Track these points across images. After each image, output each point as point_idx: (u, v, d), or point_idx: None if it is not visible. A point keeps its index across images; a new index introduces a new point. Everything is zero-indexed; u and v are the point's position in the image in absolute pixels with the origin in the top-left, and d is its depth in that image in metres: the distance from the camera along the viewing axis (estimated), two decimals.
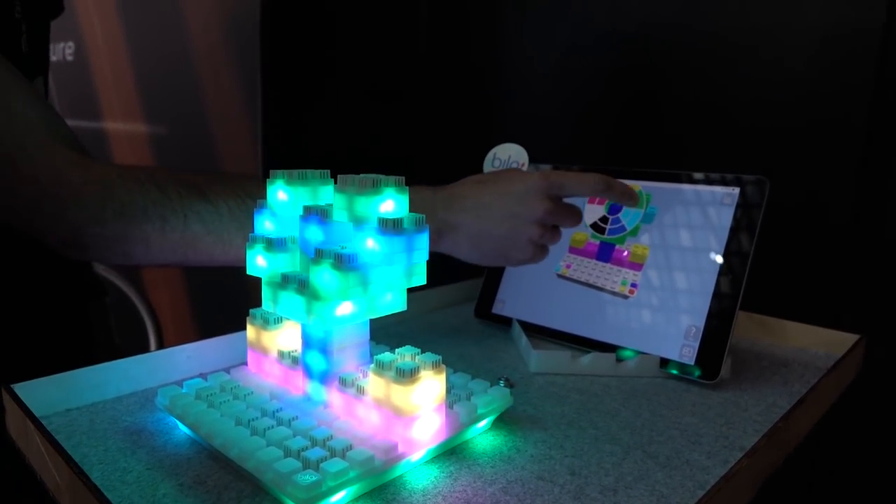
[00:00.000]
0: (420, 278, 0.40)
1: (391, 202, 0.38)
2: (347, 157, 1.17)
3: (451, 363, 0.56)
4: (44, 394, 0.44)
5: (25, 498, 0.55)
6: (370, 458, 0.35)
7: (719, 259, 0.56)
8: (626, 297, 0.59)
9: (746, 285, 0.54)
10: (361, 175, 0.39)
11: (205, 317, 1.41)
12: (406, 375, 0.36)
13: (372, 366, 0.38)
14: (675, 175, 0.61)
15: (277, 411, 0.40)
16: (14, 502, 0.54)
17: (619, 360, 0.55)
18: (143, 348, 1.36)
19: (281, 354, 0.45)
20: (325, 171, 0.44)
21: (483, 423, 0.43)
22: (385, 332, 0.64)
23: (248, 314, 0.46)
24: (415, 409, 0.37)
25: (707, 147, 0.84)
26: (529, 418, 0.46)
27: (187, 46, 1.33)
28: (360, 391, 0.39)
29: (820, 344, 0.62)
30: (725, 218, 0.57)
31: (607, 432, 0.44)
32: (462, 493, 0.36)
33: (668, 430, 0.45)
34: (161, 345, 1.43)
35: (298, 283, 0.39)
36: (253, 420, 0.38)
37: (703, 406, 0.49)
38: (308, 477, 0.33)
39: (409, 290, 0.41)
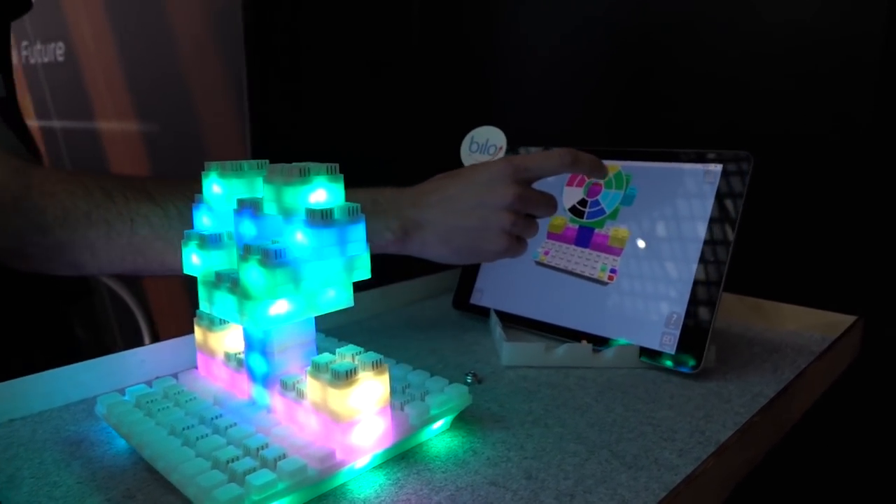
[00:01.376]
0: (363, 272, 0.38)
1: (322, 192, 0.36)
2: (338, 150, 1.14)
3: (422, 358, 0.54)
4: None
5: None
6: (302, 467, 0.32)
7: (701, 241, 0.52)
8: (605, 283, 0.56)
9: (733, 267, 0.51)
10: (292, 164, 0.36)
11: None
12: (342, 378, 0.34)
13: (308, 368, 0.35)
14: (655, 154, 0.58)
15: (216, 418, 0.37)
16: None
17: (597, 350, 0.52)
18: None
19: (227, 357, 0.42)
20: (264, 161, 0.41)
21: (439, 424, 0.40)
22: (359, 328, 0.61)
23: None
24: (353, 414, 0.34)
25: (710, 125, 0.80)
26: (493, 417, 0.43)
27: (173, 42, 1.31)
28: (300, 395, 0.37)
29: (816, 326, 0.59)
30: (708, 197, 0.53)
31: (574, 430, 0.41)
32: (405, 502, 0.34)
33: (641, 427, 0.42)
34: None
35: (231, 282, 0.36)
36: (187, 429, 0.36)
37: (682, 398, 0.46)
38: (230, 491, 0.30)
39: (385, 283, 0.39)
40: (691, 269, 0.52)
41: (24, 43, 1.65)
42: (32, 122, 1.63)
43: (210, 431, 0.36)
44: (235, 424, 0.37)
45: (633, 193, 0.58)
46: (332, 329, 0.60)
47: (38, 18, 1.58)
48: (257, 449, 0.34)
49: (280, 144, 1.20)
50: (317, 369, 0.35)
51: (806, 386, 0.48)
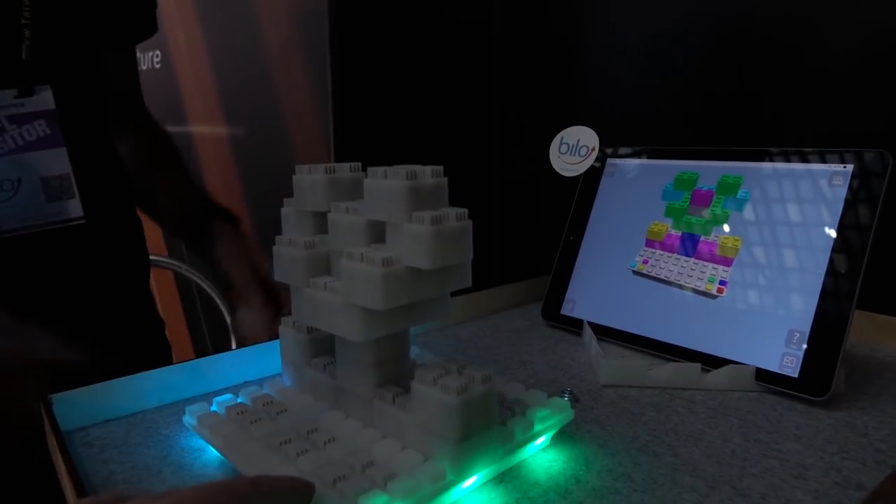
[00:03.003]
0: (465, 281, 0.36)
1: None
2: (422, 151, 1.13)
3: (512, 371, 0.51)
4: (82, 405, 0.43)
5: None
6: (414, 487, 0.30)
7: (829, 250, 0.47)
8: (714, 296, 0.51)
9: (864, 281, 0.45)
10: (395, 167, 0.34)
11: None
12: (452, 393, 0.31)
13: (414, 382, 0.33)
14: (771, 153, 0.52)
15: (312, 432, 0.36)
16: None
17: (706, 370, 0.47)
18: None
19: (319, 367, 0.41)
20: (357, 163, 0.39)
21: (540, 441, 0.37)
22: (442, 336, 0.59)
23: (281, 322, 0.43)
24: (463, 430, 0.32)
25: (809, 128, 0.73)
26: (595, 440, 0.40)
27: (261, 46, 1.35)
28: (404, 409, 0.34)
29: None
30: (836, 201, 0.47)
31: (688, 461, 0.37)
32: None
33: (765, 460, 0.37)
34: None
35: (333, 290, 0.35)
36: (285, 443, 0.34)
37: (810, 429, 0.41)
38: None
39: (469, 290, 0.37)
40: (817, 282, 0.46)
41: None
42: None
43: (308, 447, 0.34)
44: (333, 440, 0.35)
45: (745, 197, 0.52)
46: (415, 337, 0.58)
47: None
48: (362, 467, 0.32)
49: (363, 146, 1.20)
50: (423, 383, 0.33)
51: None
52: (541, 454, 0.38)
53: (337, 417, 0.38)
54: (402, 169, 0.33)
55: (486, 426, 0.33)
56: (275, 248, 0.38)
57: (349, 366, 0.37)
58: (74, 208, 0.61)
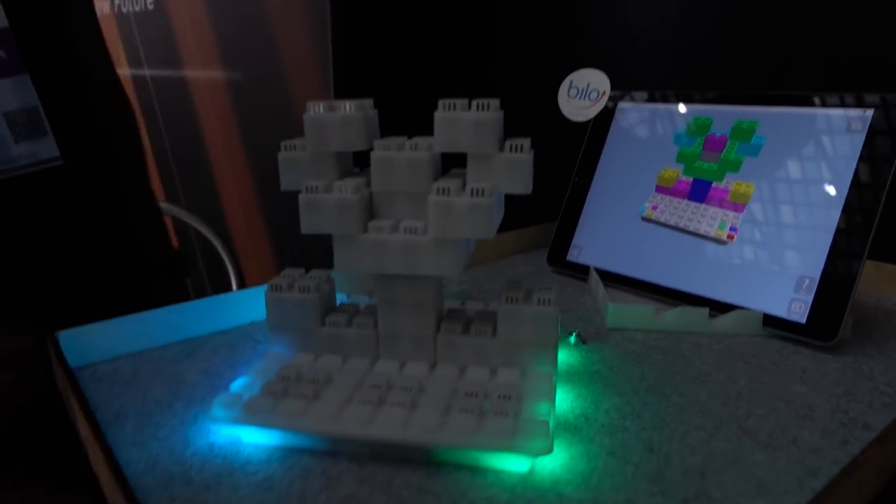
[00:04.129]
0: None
1: None
2: (424, 94, 1.11)
3: None
4: (90, 341, 0.43)
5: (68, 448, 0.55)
6: (551, 390, 0.34)
7: (843, 197, 0.46)
8: (723, 242, 0.51)
9: (877, 229, 0.44)
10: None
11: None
12: (547, 304, 0.36)
13: (502, 304, 0.36)
14: (788, 97, 0.51)
15: (390, 382, 0.35)
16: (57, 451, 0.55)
17: (713, 315, 0.47)
18: None
19: (335, 323, 0.39)
20: (369, 100, 0.38)
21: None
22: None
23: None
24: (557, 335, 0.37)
25: (828, 71, 0.71)
26: (603, 381, 0.40)
27: None
28: (483, 335, 0.37)
29: None
30: (853, 147, 0.47)
31: (694, 401, 0.38)
32: (516, 472, 0.31)
33: (771, 402, 0.37)
34: None
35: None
36: (383, 397, 0.33)
37: (816, 373, 0.41)
38: (534, 426, 0.30)
39: None
40: (830, 229, 0.46)
41: None
42: (125, 71, 1.68)
43: (405, 396, 0.33)
44: (427, 384, 0.35)
45: (759, 143, 0.51)
46: None
47: None
48: (485, 393, 0.33)
49: (364, 91, 1.18)
50: (514, 302, 0.36)
51: None
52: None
53: (393, 366, 0.37)
54: (489, 101, 0.34)
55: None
56: (305, 197, 0.35)
57: (401, 310, 0.37)
58: (48, 147, 0.52)
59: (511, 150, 0.34)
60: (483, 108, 0.34)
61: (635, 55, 0.88)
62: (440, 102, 0.34)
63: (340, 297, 0.47)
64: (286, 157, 0.37)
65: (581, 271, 0.59)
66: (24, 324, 0.50)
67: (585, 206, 0.61)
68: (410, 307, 0.37)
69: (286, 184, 0.37)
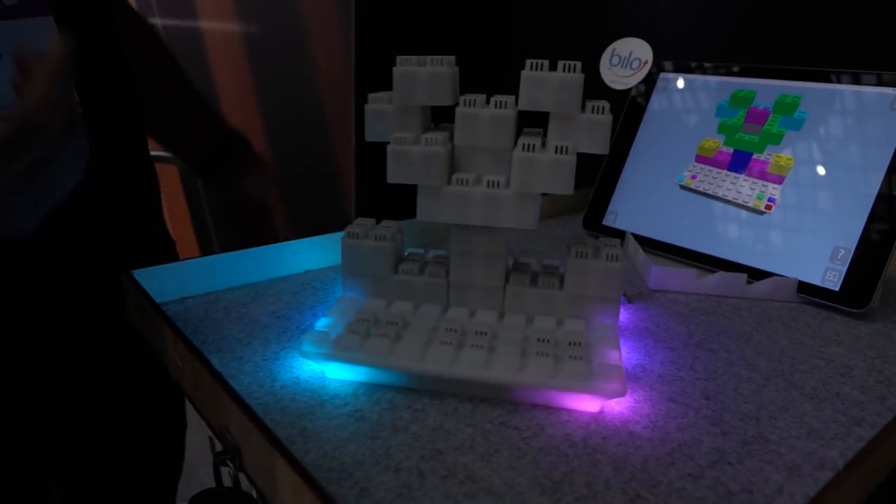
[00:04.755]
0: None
1: None
2: (446, 43, 1.11)
3: None
4: (160, 281, 0.45)
5: (146, 381, 0.58)
6: (617, 339, 0.37)
7: (883, 172, 0.48)
8: (761, 212, 0.53)
9: None
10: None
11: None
12: (614, 259, 0.38)
13: (570, 258, 0.39)
14: (831, 73, 0.53)
15: (462, 327, 0.37)
16: (135, 386, 0.57)
17: (751, 281, 0.50)
18: None
19: (407, 271, 0.41)
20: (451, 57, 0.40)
21: None
22: None
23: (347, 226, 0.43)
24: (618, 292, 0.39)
25: (875, 49, 0.72)
26: (652, 336, 0.42)
27: None
28: (550, 287, 0.39)
29: None
30: (894, 125, 0.49)
31: (741, 356, 0.40)
32: (588, 412, 0.34)
33: (812, 360, 0.40)
34: None
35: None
36: (452, 339, 0.35)
37: (850, 336, 0.44)
38: (609, 370, 0.33)
39: None
40: (868, 202, 0.48)
41: None
42: None
43: (476, 340, 0.35)
44: (499, 330, 0.37)
45: (802, 117, 0.53)
46: None
47: None
48: (555, 340, 0.36)
49: (385, 45, 1.17)
50: (582, 257, 0.39)
51: None
52: None
53: (463, 313, 0.40)
54: (571, 63, 0.36)
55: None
56: (394, 148, 0.37)
57: (473, 260, 0.39)
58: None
59: (592, 111, 0.36)
60: (570, 70, 0.35)
61: (673, 26, 0.89)
62: (527, 62, 0.36)
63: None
64: (373, 108, 0.39)
65: (616, 236, 0.61)
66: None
67: (623, 173, 0.63)
68: (483, 258, 0.39)
69: (371, 135, 0.38)
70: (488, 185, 0.36)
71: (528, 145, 0.35)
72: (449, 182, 0.37)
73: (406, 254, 0.44)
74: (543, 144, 0.36)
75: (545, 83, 0.36)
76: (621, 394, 0.32)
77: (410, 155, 0.36)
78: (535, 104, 0.36)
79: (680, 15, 0.88)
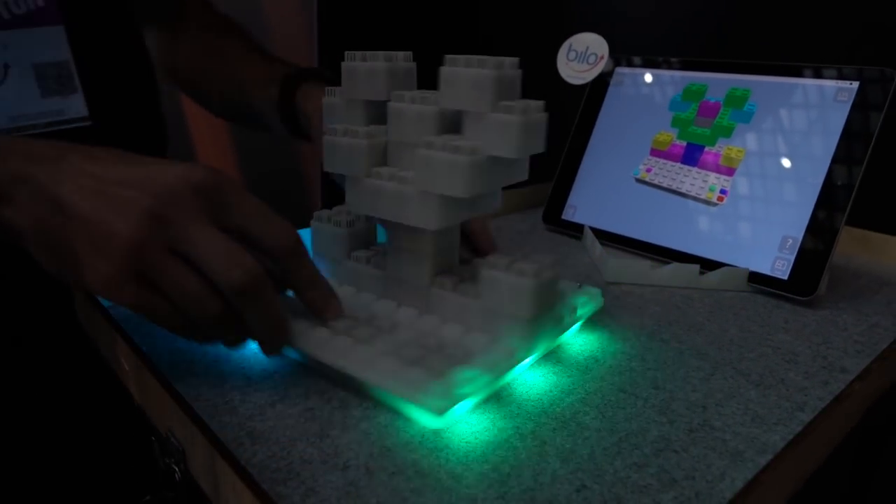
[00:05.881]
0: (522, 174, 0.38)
1: None
2: (410, 39, 1.10)
3: None
4: None
5: (95, 384, 0.56)
6: (493, 362, 0.33)
7: (827, 164, 0.49)
8: (714, 204, 0.54)
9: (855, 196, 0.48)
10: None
11: None
12: (528, 275, 0.34)
13: (484, 268, 0.35)
14: (779, 67, 0.54)
15: (372, 319, 0.37)
16: (84, 389, 0.56)
17: (703, 272, 0.50)
18: None
19: (358, 259, 0.42)
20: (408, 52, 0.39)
21: (576, 325, 0.41)
22: None
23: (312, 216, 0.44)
24: (535, 311, 0.34)
25: (821, 43, 0.74)
26: (606, 328, 0.43)
27: None
28: (466, 294, 0.37)
29: None
30: (838, 117, 0.50)
31: (692, 346, 0.41)
32: (538, 403, 0.34)
33: (760, 348, 0.41)
34: None
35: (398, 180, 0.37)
36: (351, 329, 0.35)
37: (797, 324, 0.45)
38: (439, 386, 0.30)
39: None
40: (814, 193, 0.49)
41: None
42: None
43: (374, 332, 0.35)
44: (396, 326, 0.37)
45: (751, 110, 0.54)
46: None
47: None
48: (437, 347, 0.34)
49: (351, 32, 1.16)
50: (496, 268, 0.35)
51: None
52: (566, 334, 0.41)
53: (389, 306, 0.39)
54: (489, 59, 0.33)
55: (549, 308, 0.36)
56: (326, 138, 0.37)
57: (404, 256, 0.39)
58: (76, 105, 0.51)
59: (513, 111, 0.33)
60: (497, 67, 0.33)
61: (629, 22, 0.90)
62: (446, 57, 0.34)
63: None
64: (327, 101, 0.40)
65: (575, 230, 0.62)
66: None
67: (581, 168, 0.64)
68: (410, 255, 0.38)
69: (325, 127, 0.39)
70: (398, 181, 0.36)
71: (433, 143, 0.34)
72: (369, 174, 0.37)
73: (379, 244, 0.44)
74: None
75: (458, 80, 0.34)
76: (439, 413, 0.30)
77: (337, 146, 0.37)
78: (453, 102, 0.35)
79: (639, 9, 0.89)
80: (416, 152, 0.34)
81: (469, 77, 0.33)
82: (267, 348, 0.34)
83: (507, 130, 0.33)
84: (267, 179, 1.38)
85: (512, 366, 0.34)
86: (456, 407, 0.31)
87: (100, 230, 0.29)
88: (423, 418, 0.32)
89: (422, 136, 0.35)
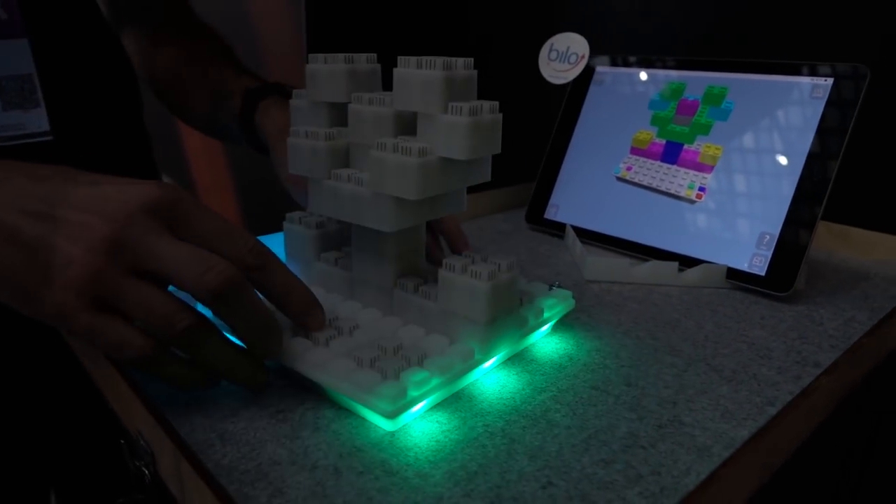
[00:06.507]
0: (484, 175, 0.37)
1: None
2: (398, 40, 1.11)
3: None
4: None
5: (71, 386, 0.56)
6: (449, 364, 0.33)
7: (803, 160, 0.50)
8: (692, 201, 0.54)
9: (830, 191, 0.48)
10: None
11: (254, 221, 1.42)
12: (482, 277, 0.33)
13: (441, 270, 0.35)
14: (755, 64, 0.54)
15: (334, 320, 0.37)
16: (60, 391, 0.56)
17: (682, 269, 0.51)
18: None
19: (327, 260, 0.42)
20: (372, 54, 0.40)
21: (546, 327, 0.41)
22: None
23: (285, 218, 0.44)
24: (491, 313, 0.34)
25: (796, 41, 0.75)
26: (583, 326, 0.43)
27: None
28: (428, 297, 0.37)
29: None
30: (814, 114, 0.50)
31: (667, 343, 0.41)
32: (509, 401, 0.34)
33: (734, 344, 0.41)
34: None
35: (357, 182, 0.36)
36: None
37: (774, 319, 0.45)
38: (391, 388, 0.30)
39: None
40: (790, 190, 0.50)
41: None
42: None
43: (334, 333, 0.35)
44: (358, 327, 0.37)
45: (729, 108, 0.55)
46: None
47: None
48: (394, 349, 0.34)
49: (338, 30, 1.16)
50: (452, 270, 0.34)
51: None
52: (533, 336, 0.41)
53: (354, 307, 0.39)
54: (439, 59, 0.33)
55: (508, 311, 0.35)
56: (290, 140, 0.38)
57: (367, 258, 0.39)
58: (38, 120, 0.49)
59: (462, 112, 0.33)
60: (448, 67, 0.33)
61: (612, 21, 0.90)
62: (399, 59, 0.34)
63: None
64: (294, 104, 0.40)
65: (558, 228, 0.62)
66: None
67: (563, 167, 0.64)
68: (374, 256, 0.38)
69: (290, 130, 0.39)
70: (355, 183, 0.35)
71: (385, 144, 0.33)
72: (329, 176, 0.37)
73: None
74: None
75: (410, 82, 0.34)
76: (389, 417, 0.30)
77: (298, 147, 0.37)
78: (405, 103, 0.34)
79: (622, 8, 0.89)
80: (369, 153, 0.34)
81: (420, 78, 0.33)
82: (261, 349, 0.33)
83: (457, 132, 0.33)
84: (259, 187, 1.38)
85: (468, 369, 0.34)
86: (409, 410, 0.31)
87: (50, 259, 0.27)
88: (376, 420, 0.32)
89: (378, 137, 0.35)
